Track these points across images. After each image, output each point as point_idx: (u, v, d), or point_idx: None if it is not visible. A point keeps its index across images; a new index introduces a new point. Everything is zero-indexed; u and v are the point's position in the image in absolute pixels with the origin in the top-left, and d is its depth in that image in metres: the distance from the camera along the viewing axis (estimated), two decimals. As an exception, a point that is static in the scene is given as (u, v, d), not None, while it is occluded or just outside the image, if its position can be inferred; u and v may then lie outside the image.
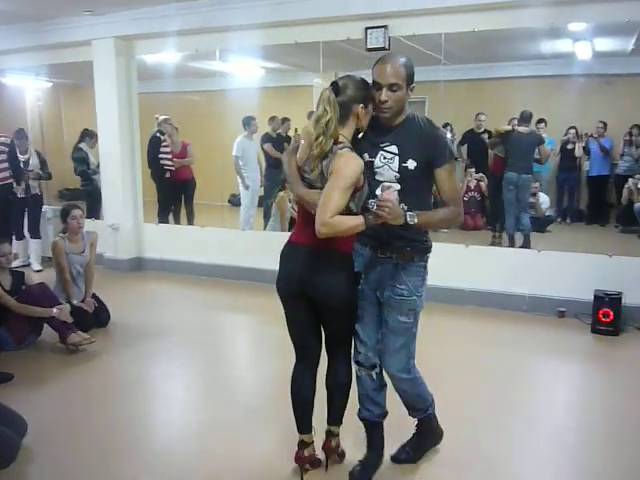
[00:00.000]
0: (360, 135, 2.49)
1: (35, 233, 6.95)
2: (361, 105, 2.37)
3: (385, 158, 2.44)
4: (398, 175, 2.43)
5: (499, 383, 3.75)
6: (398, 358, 2.57)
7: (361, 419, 2.77)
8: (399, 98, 2.36)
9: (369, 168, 2.43)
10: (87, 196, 7.58)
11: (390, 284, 2.52)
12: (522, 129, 6.37)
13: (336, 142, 2.33)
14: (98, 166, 7.29)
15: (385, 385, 2.73)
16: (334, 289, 2.46)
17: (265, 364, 4.17)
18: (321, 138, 2.31)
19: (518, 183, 6.35)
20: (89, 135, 7.51)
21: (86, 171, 7.59)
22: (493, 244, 6.61)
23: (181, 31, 6.15)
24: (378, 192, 2.43)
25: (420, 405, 2.77)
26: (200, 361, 4.23)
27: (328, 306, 2.51)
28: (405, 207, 2.35)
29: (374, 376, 2.66)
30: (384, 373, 2.67)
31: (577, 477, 2.72)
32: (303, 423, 2.70)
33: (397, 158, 2.42)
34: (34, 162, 6.83)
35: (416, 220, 2.32)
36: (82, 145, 7.60)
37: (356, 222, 2.27)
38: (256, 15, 5.69)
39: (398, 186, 2.42)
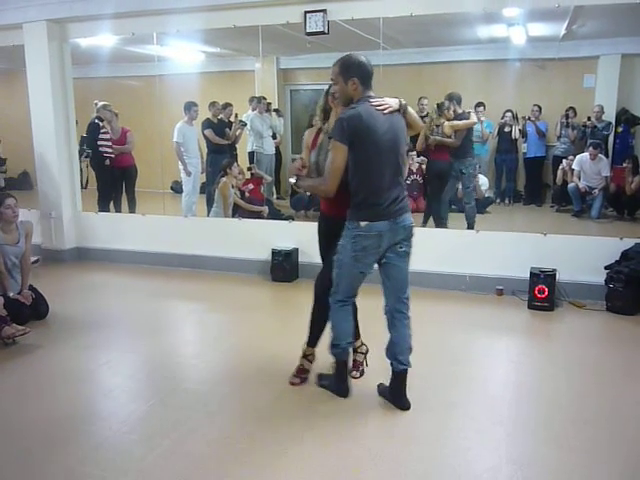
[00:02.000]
0: None
1: None
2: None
3: None
4: None
5: (439, 360, 3.85)
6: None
7: None
8: (340, 89, 3.04)
9: None
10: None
11: None
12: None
13: None
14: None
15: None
16: None
17: (210, 351, 4.16)
18: None
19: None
20: None
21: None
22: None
23: (117, 14, 6.00)
24: None
25: (332, 339, 3.28)
26: (143, 350, 4.18)
27: None
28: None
29: None
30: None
31: (513, 449, 2.83)
32: None
33: None
34: None
35: (292, 180, 3.25)
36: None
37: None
38: (194, -2, 5.61)
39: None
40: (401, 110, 3.05)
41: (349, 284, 3.19)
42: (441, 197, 6.40)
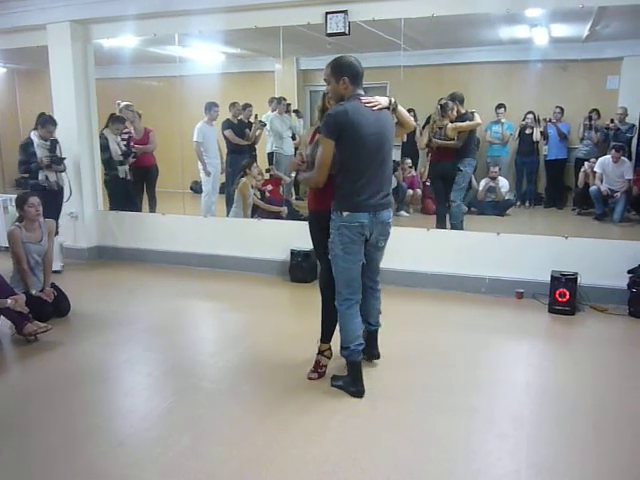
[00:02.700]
0: None
1: None
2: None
3: None
4: None
5: (460, 364, 3.82)
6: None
7: None
8: (332, 89, 3.25)
9: None
10: (107, 187, 6.96)
11: None
12: None
13: None
14: (124, 154, 6.82)
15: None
16: None
17: (229, 350, 4.17)
18: None
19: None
20: (114, 120, 6.86)
21: (109, 160, 6.76)
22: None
23: (139, 15, 6.05)
24: None
25: (342, 342, 3.39)
26: (163, 348, 4.21)
27: None
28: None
29: None
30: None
31: (534, 453, 2.80)
32: None
33: None
34: None
35: (293, 174, 3.52)
36: (106, 131, 6.80)
37: None
38: (215, -1, 5.63)
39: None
40: (390, 108, 3.25)
41: (349, 278, 3.32)
42: (447, 198, 6.24)
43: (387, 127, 3.23)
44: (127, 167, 6.85)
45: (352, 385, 3.38)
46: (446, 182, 6.27)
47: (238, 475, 2.60)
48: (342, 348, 3.39)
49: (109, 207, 6.99)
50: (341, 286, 3.33)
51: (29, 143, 5.96)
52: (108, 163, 6.79)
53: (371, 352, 3.69)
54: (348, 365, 3.40)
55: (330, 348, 3.62)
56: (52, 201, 5.99)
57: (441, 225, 6.16)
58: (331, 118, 3.12)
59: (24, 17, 6.45)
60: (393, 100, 3.28)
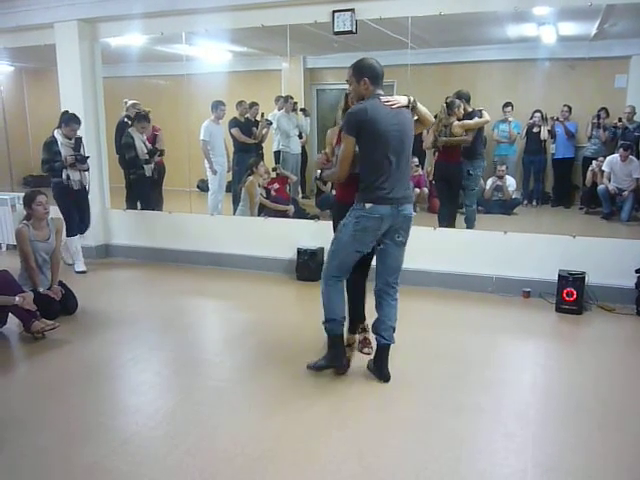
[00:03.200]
0: None
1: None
2: None
3: None
4: None
5: (466, 363, 3.82)
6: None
7: None
8: (353, 89, 3.42)
9: None
10: (133, 186, 6.91)
11: None
12: None
13: None
14: (150, 153, 6.78)
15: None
16: None
17: (235, 349, 4.18)
18: None
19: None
20: (140, 118, 6.79)
21: (135, 159, 6.67)
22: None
23: (146, 13, 6.07)
24: None
25: (326, 315, 3.52)
26: (170, 347, 4.22)
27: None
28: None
29: None
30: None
31: (540, 452, 2.79)
32: None
33: None
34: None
35: (318, 171, 3.56)
36: (131, 130, 6.75)
37: None
38: (222, -3, 5.64)
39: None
40: (410, 106, 3.37)
41: (344, 261, 3.47)
42: (451, 200, 6.17)
43: (406, 124, 3.35)
44: (152, 165, 6.82)
45: (337, 358, 3.57)
46: (450, 184, 6.18)
47: (243, 473, 2.60)
48: (328, 321, 3.53)
49: (127, 206, 6.99)
50: (335, 265, 3.48)
51: (53, 141, 5.93)
52: (134, 162, 6.70)
53: (380, 371, 3.54)
54: (331, 339, 3.57)
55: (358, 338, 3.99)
56: (74, 199, 6.06)
57: (442, 225, 6.12)
58: (352, 116, 3.29)
59: (31, 15, 6.48)
60: (412, 99, 3.39)
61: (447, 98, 6.19)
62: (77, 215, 6.13)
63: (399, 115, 3.32)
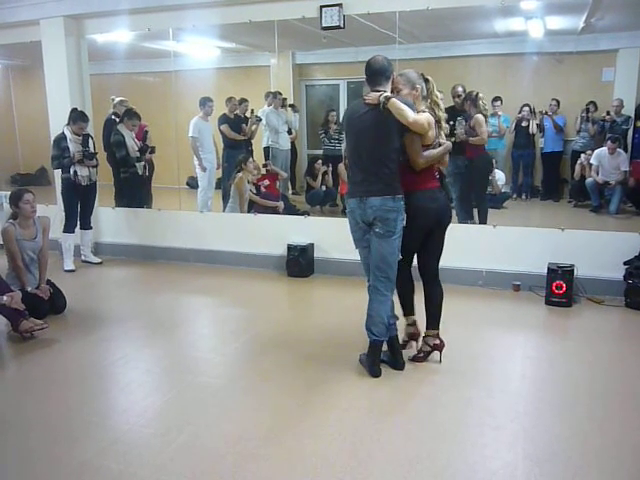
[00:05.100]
0: None
1: None
2: None
3: None
4: None
5: (456, 356, 3.82)
6: None
7: None
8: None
9: None
10: (125, 185, 6.79)
11: None
12: None
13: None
14: (141, 150, 6.66)
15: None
16: None
17: (226, 345, 4.16)
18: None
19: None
20: (130, 115, 6.65)
21: (127, 157, 6.51)
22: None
23: (133, 9, 6.04)
24: None
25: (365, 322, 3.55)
26: (159, 345, 4.20)
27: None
28: None
29: None
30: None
31: (530, 445, 2.80)
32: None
33: None
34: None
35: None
36: (120, 127, 6.61)
37: None
38: (209, -7, 5.62)
39: None
40: (380, 105, 3.27)
41: (362, 262, 3.63)
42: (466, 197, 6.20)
43: (371, 121, 3.35)
44: (143, 163, 6.76)
45: (370, 365, 3.54)
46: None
47: (236, 471, 2.60)
48: (366, 328, 3.54)
49: (117, 204, 6.95)
50: (365, 269, 3.63)
51: (62, 138, 6.01)
52: (126, 160, 6.54)
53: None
54: (369, 345, 3.56)
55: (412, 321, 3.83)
56: (80, 196, 6.17)
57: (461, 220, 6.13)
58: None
59: (17, 12, 6.44)
60: (382, 99, 3.24)
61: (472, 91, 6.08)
62: (79, 212, 6.25)
63: (368, 113, 3.35)
